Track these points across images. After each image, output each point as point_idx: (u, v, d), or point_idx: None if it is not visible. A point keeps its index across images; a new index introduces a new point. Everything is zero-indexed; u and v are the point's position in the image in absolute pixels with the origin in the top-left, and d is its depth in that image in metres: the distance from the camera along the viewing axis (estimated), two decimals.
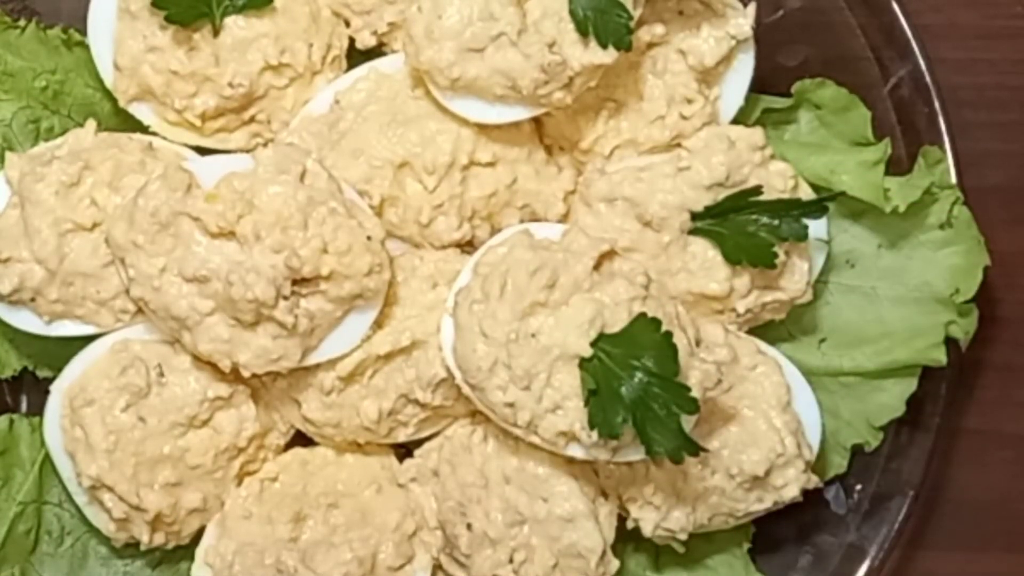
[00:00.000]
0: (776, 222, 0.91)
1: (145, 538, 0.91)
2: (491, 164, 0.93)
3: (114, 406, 0.90)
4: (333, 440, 0.94)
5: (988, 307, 1.01)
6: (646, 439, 0.82)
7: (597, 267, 0.87)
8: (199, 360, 0.90)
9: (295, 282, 0.86)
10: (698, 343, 0.88)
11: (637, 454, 0.85)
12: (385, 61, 0.95)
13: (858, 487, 0.99)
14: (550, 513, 0.89)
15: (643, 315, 0.85)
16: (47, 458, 0.94)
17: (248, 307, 0.85)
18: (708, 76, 0.95)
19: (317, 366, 0.91)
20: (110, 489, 0.90)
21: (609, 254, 0.89)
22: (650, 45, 0.95)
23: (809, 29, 1.01)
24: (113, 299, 0.91)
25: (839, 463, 0.97)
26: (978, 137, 1.05)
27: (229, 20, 0.92)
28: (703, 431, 0.88)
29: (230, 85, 0.92)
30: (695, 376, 0.84)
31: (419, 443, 0.95)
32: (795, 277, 0.94)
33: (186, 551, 0.94)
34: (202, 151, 0.95)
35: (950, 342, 0.95)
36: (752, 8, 0.95)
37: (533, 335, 0.85)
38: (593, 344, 0.84)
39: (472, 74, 0.89)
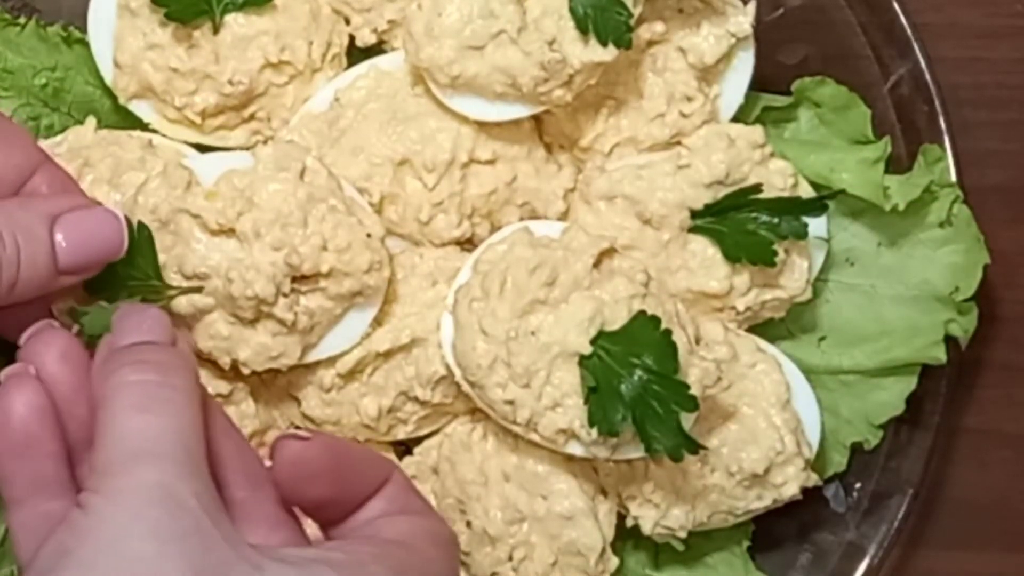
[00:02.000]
0: (776, 220, 0.91)
1: None
2: (491, 162, 0.93)
3: None
4: None
5: (988, 306, 1.01)
6: (646, 437, 0.82)
7: (597, 265, 0.87)
8: (199, 357, 0.89)
9: (295, 279, 0.86)
10: (698, 341, 0.88)
11: (637, 452, 0.85)
12: (385, 59, 0.95)
13: (857, 485, 0.99)
14: (549, 511, 0.89)
15: (643, 313, 0.85)
16: None
17: (248, 304, 0.85)
18: (708, 74, 0.95)
19: (317, 363, 0.91)
20: None
21: (609, 252, 0.89)
22: (650, 43, 0.95)
23: (809, 27, 1.01)
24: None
25: (839, 461, 0.97)
26: (978, 136, 1.05)
27: (229, 18, 0.92)
28: (702, 429, 0.88)
29: (230, 83, 0.92)
30: (695, 374, 0.84)
31: (419, 440, 0.95)
32: (795, 275, 0.94)
33: None
34: (202, 148, 0.95)
35: (950, 340, 0.95)
36: (752, 6, 0.95)
37: (533, 333, 0.85)
38: (593, 342, 0.84)
39: (472, 72, 0.89)
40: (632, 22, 0.87)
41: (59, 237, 0.76)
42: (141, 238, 0.82)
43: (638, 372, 0.83)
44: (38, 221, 0.76)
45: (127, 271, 0.82)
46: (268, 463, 0.71)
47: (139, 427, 0.66)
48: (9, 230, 0.73)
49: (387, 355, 0.91)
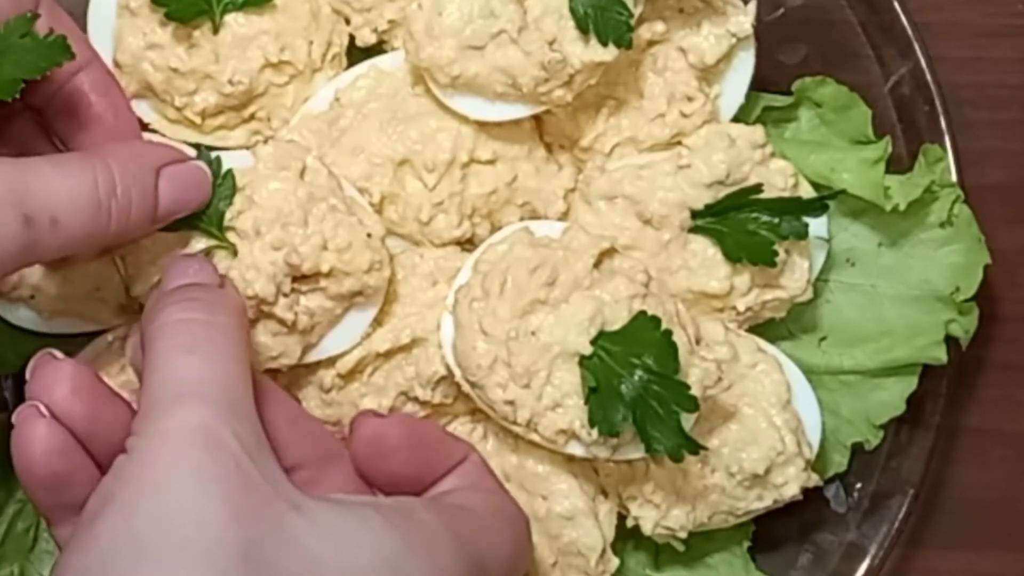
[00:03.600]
0: (776, 220, 0.90)
1: None
2: (491, 162, 0.93)
3: None
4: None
5: (988, 305, 1.01)
6: (646, 437, 0.82)
7: (597, 265, 0.87)
8: None
9: (295, 279, 0.86)
10: (698, 341, 0.88)
11: (637, 452, 0.85)
12: (385, 59, 0.95)
13: (858, 485, 0.99)
14: (550, 511, 0.89)
15: (643, 313, 0.85)
16: None
17: (248, 304, 0.85)
18: (709, 74, 0.95)
19: (317, 364, 0.91)
20: None
21: (609, 252, 0.89)
22: (650, 43, 0.95)
23: (809, 27, 1.01)
24: (113, 296, 0.91)
25: (839, 461, 0.97)
26: (979, 135, 1.05)
27: (229, 17, 0.92)
28: (703, 429, 0.88)
29: (230, 82, 0.92)
30: (695, 374, 0.84)
31: None
32: (795, 275, 0.94)
33: None
34: None
35: (950, 340, 0.95)
36: (753, 6, 0.95)
37: (533, 333, 0.85)
38: (593, 342, 0.84)
39: (472, 72, 0.89)
40: (632, 22, 0.87)
41: (161, 188, 0.78)
42: (221, 176, 0.85)
43: (638, 372, 0.83)
44: (147, 173, 0.78)
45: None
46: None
47: (182, 369, 0.66)
48: (124, 183, 0.75)
49: (387, 355, 0.91)
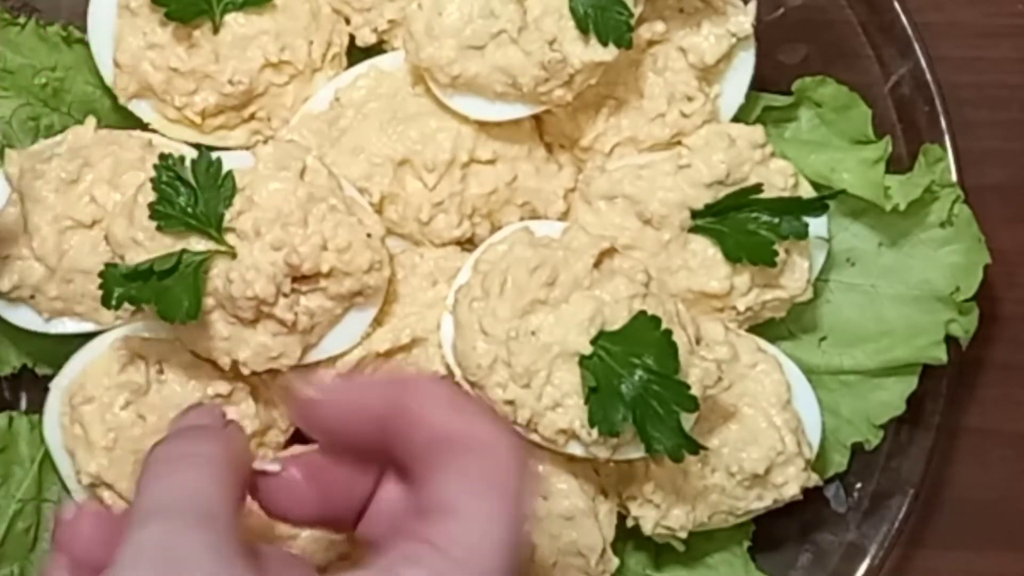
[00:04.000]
0: (776, 220, 0.90)
1: None
2: (491, 162, 0.93)
3: (114, 404, 0.90)
4: None
5: (988, 305, 1.01)
6: (646, 437, 0.82)
7: (597, 265, 0.87)
8: (199, 357, 0.89)
9: (295, 279, 0.86)
10: (698, 341, 0.88)
11: (637, 452, 0.85)
12: (385, 59, 0.95)
13: (858, 485, 0.99)
14: (550, 511, 0.89)
15: (643, 313, 0.85)
16: (46, 455, 0.94)
17: (248, 304, 0.85)
18: (709, 74, 0.95)
19: (317, 364, 0.91)
20: (109, 487, 0.90)
21: (609, 252, 0.89)
22: (650, 43, 0.95)
23: (810, 27, 1.01)
24: None
25: (839, 461, 0.97)
26: (979, 135, 1.04)
27: (229, 17, 0.92)
28: (703, 429, 0.88)
29: (230, 82, 0.92)
30: (695, 374, 0.84)
31: None
32: (795, 275, 0.94)
33: None
34: None
35: (950, 340, 0.95)
36: (753, 6, 0.95)
37: (533, 333, 0.85)
38: (593, 342, 0.84)
39: (472, 71, 0.89)
40: (633, 22, 0.87)
41: None
42: (221, 178, 0.84)
43: (638, 372, 0.83)
44: None
45: (194, 209, 0.84)
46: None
47: (153, 490, 0.65)
48: None
49: (387, 355, 0.91)
